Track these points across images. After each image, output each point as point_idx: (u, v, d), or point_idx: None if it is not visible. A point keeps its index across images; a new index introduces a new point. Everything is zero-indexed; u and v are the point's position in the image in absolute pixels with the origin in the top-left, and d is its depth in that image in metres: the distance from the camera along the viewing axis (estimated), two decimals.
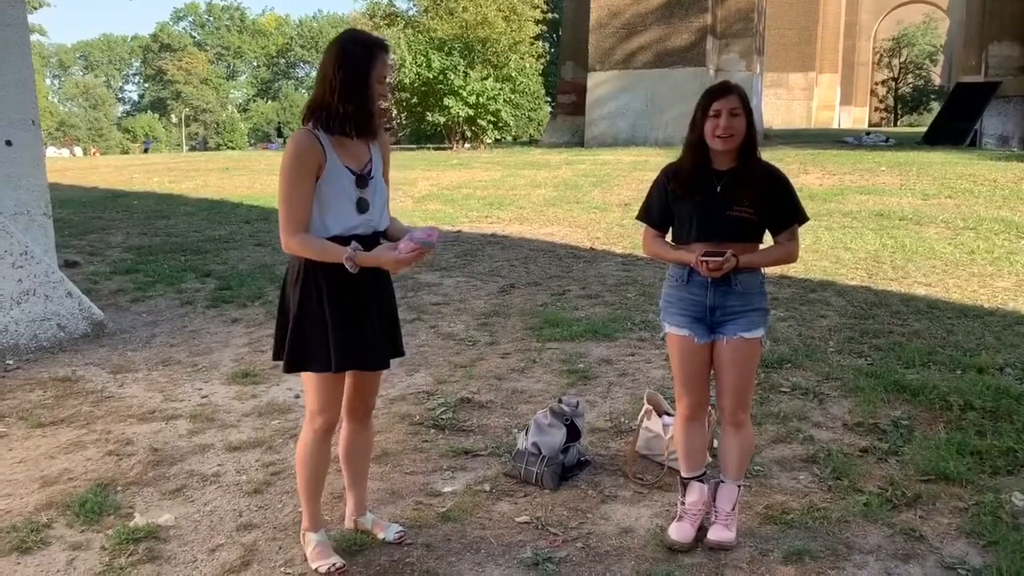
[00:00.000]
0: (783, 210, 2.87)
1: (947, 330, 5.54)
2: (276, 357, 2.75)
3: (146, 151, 56.22)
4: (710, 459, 3.31)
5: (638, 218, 3.05)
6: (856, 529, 3.02)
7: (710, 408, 3.16)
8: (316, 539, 2.85)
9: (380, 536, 2.99)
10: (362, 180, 2.64)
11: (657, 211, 2.96)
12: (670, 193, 2.89)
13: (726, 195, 2.79)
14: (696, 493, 3.02)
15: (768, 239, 2.93)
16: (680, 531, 2.94)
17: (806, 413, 4.14)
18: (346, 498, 3.08)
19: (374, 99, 2.59)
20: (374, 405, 3.03)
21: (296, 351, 2.66)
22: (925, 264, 7.62)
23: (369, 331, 2.68)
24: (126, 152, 58.05)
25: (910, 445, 3.71)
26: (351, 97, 2.54)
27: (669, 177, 2.92)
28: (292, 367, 2.69)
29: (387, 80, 2.64)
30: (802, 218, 2.92)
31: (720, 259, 2.73)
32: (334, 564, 2.78)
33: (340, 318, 2.62)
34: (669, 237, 2.99)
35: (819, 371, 4.75)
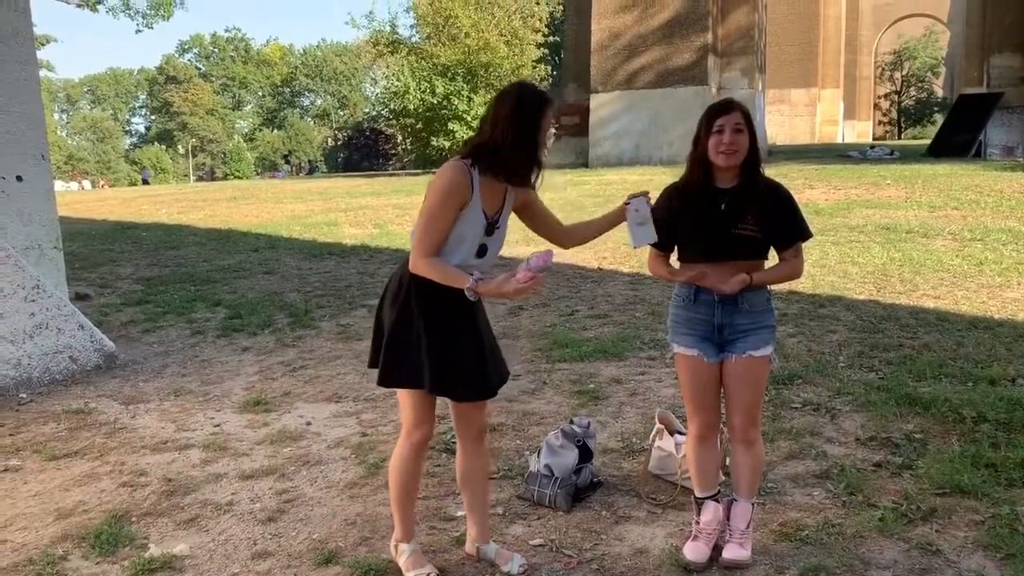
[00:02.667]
0: (788, 227, 2.88)
1: (957, 342, 5.52)
2: (371, 365, 2.84)
3: (145, 182, 56.72)
4: (723, 477, 3.30)
5: None
6: (872, 544, 3.00)
7: (721, 426, 3.16)
8: (409, 549, 2.92)
9: (505, 568, 2.93)
10: (490, 227, 2.73)
11: (659, 231, 2.97)
12: (673, 213, 2.90)
13: (730, 213, 2.79)
14: (711, 512, 3.01)
15: (773, 256, 2.94)
16: (695, 551, 2.93)
17: (818, 429, 4.13)
18: (468, 526, 3.08)
19: (541, 149, 2.67)
20: (485, 429, 3.03)
21: (389, 367, 2.74)
22: (933, 276, 7.61)
23: (462, 360, 2.74)
24: (134, 184, 58.52)
25: (924, 459, 3.69)
26: (521, 144, 2.62)
27: (672, 196, 2.93)
28: (385, 382, 2.77)
29: (550, 132, 2.70)
30: (806, 235, 2.93)
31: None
32: (429, 573, 2.85)
33: (434, 342, 2.69)
34: (674, 256, 3.01)
35: (830, 386, 4.74)
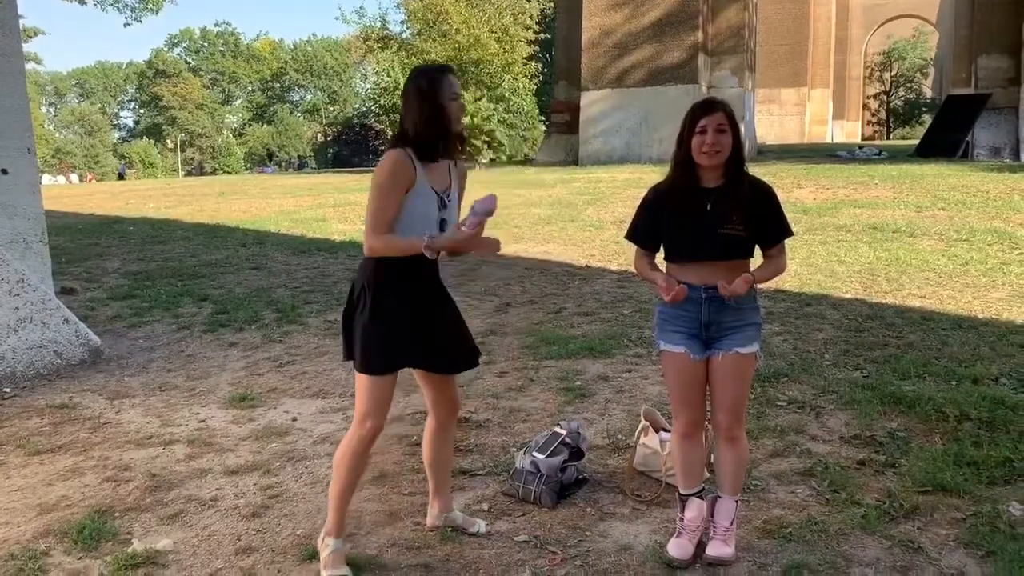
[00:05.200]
0: (773, 226, 2.90)
1: (942, 341, 5.56)
2: (348, 358, 2.93)
3: (121, 177, 56.86)
4: (708, 475, 3.31)
5: (626, 237, 3.06)
6: (854, 542, 3.02)
7: (706, 423, 3.17)
8: (334, 545, 2.92)
9: (472, 530, 3.17)
10: (442, 201, 2.83)
11: (643, 231, 2.97)
12: (659, 212, 2.91)
13: (716, 213, 2.80)
14: (695, 509, 3.02)
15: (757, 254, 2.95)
16: (679, 547, 2.94)
17: (803, 426, 4.15)
18: (431, 501, 3.21)
19: (451, 120, 2.80)
20: (459, 405, 3.18)
21: (369, 353, 2.82)
22: (919, 276, 7.65)
23: (443, 335, 2.89)
24: (122, 178, 58.38)
25: (907, 457, 3.72)
26: (432, 125, 2.77)
27: (658, 196, 2.94)
28: (367, 368, 2.82)
29: (459, 96, 2.83)
30: (789, 232, 2.96)
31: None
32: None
33: (412, 321, 2.82)
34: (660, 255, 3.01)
35: (815, 384, 4.76)
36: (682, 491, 3.07)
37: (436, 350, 2.89)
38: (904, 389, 4.56)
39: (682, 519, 3.02)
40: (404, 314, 2.81)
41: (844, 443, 3.94)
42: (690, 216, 2.83)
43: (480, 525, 3.18)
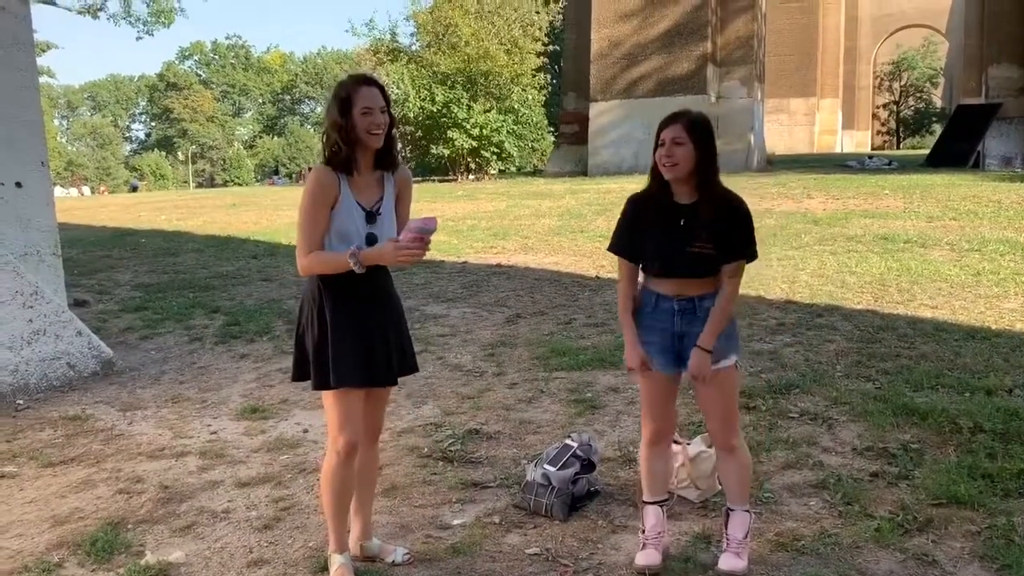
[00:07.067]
0: (736, 243, 2.82)
1: (955, 352, 5.52)
2: (297, 379, 2.94)
3: (134, 189, 58.21)
4: (719, 487, 3.30)
5: (609, 249, 3.03)
6: (868, 555, 3.00)
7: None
8: (340, 561, 2.93)
9: (388, 560, 3.06)
10: (371, 216, 2.79)
11: (624, 244, 2.94)
12: (636, 225, 2.90)
13: (688, 230, 2.78)
14: (653, 517, 3.03)
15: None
16: (646, 557, 2.95)
17: (815, 438, 4.13)
18: (351, 523, 3.10)
19: (359, 132, 2.72)
20: (381, 428, 3.13)
21: (298, 369, 2.89)
22: (931, 287, 7.62)
23: (373, 350, 2.83)
24: (134, 190, 59.11)
25: (920, 469, 3.70)
26: (338, 138, 2.73)
27: (635, 209, 2.93)
28: (323, 384, 2.81)
29: (379, 109, 2.73)
30: (751, 256, 2.86)
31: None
32: None
33: (345, 337, 2.78)
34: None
35: (827, 396, 4.74)
36: (644, 498, 3.07)
37: (378, 363, 2.84)
38: (917, 400, 4.53)
39: (643, 531, 3.03)
40: (351, 327, 2.78)
41: (857, 455, 3.92)
42: (663, 232, 2.82)
43: (398, 554, 3.07)
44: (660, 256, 2.84)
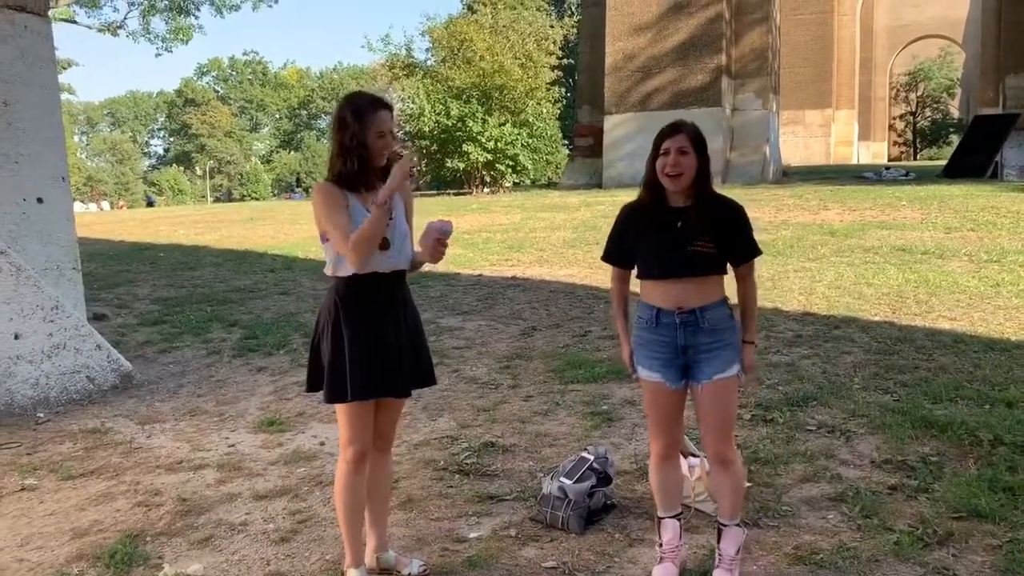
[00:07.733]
0: (740, 244, 2.89)
1: (974, 364, 5.48)
2: (311, 389, 3.00)
3: (150, 204, 59.43)
4: (715, 504, 3.28)
5: (603, 259, 3.08)
6: (887, 569, 2.98)
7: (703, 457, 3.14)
8: (356, 575, 2.94)
9: (404, 572, 3.05)
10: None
11: (617, 252, 3.00)
12: (630, 233, 2.93)
13: (686, 231, 2.80)
14: (671, 531, 3.01)
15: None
16: (663, 571, 2.93)
17: (833, 451, 4.10)
18: (367, 536, 3.11)
19: (374, 157, 2.79)
20: (394, 438, 3.16)
21: (314, 380, 2.94)
22: (949, 298, 7.56)
23: (389, 360, 2.85)
24: (151, 205, 59.93)
25: (940, 482, 3.66)
26: (351, 162, 2.77)
27: (628, 217, 2.97)
28: (317, 391, 2.89)
29: (390, 133, 2.81)
30: (755, 252, 2.95)
31: None
32: None
33: (361, 349, 2.80)
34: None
35: (845, 408, 4.71)
36: (659, 513, 3.06)
37: (393, 374, 2.86)
38: (936, 413, 4.49)
39: (660, 544, 3.01)
40: (367, 339, 2.80)
41: (875, 468, 3.89)
42: (661, 235, 2.84)
43: (414, 566, 3.06)
44: (659, 258, 2.85)
